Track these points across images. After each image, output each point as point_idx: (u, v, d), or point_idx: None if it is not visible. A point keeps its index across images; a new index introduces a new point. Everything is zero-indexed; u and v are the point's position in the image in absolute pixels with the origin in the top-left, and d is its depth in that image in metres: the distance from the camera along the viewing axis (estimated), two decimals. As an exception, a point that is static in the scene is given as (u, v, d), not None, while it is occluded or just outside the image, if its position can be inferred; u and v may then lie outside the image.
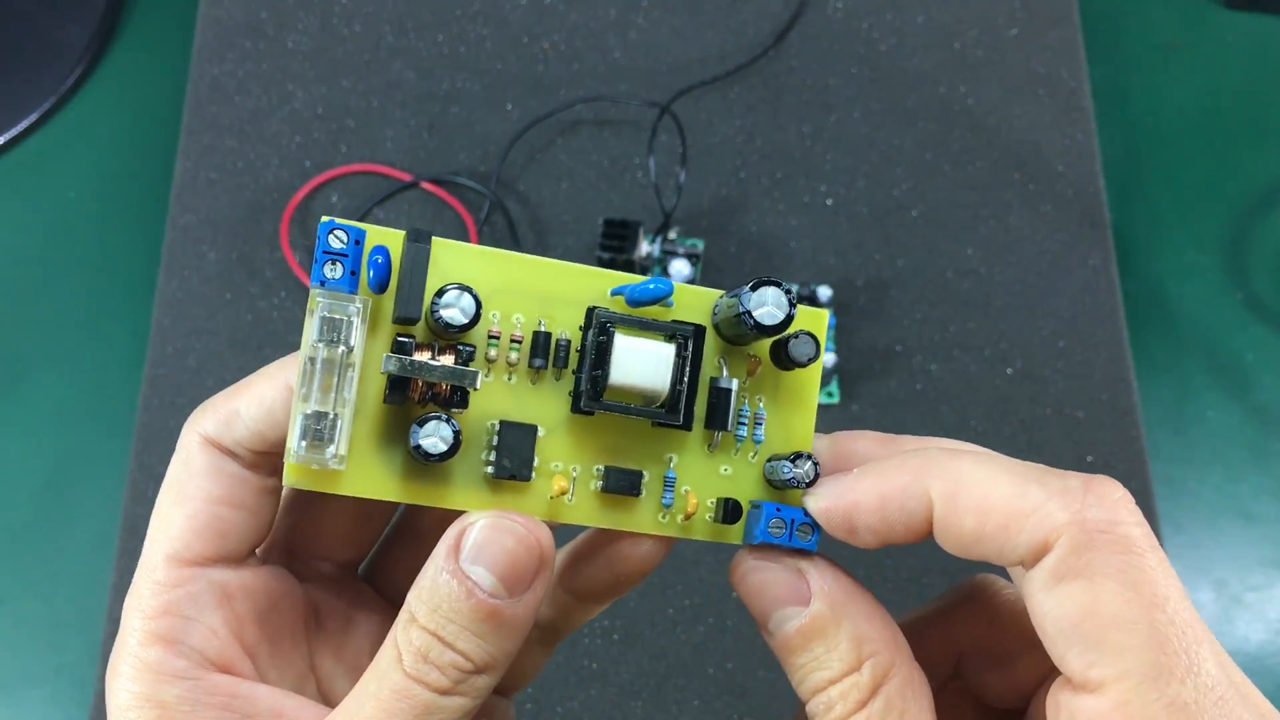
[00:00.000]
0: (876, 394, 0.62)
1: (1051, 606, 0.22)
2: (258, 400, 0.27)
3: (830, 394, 0.61)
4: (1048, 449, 0.61)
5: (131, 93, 0.74)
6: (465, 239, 0.65)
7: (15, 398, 0.67)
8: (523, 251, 0.64)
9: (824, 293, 0.62)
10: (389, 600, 0.32)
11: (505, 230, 0.65)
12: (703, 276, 0.64)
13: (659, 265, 0.63)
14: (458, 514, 0.26)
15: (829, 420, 0.61)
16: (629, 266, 0.61)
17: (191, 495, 0.27)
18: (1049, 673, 0.24)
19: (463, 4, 0.70)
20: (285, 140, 0.67)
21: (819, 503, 0.26)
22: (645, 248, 0.61)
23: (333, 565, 0.31)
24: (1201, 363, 0.69)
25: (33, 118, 0.72)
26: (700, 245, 0.63)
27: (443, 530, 0.25)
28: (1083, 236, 0.65)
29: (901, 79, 0.69)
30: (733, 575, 0.27)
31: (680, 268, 0.61)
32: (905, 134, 0.68)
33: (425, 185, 0.66)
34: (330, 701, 0.28)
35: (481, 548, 0.25)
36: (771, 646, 0.26)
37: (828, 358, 0.61)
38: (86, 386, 0.67)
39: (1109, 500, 0.22)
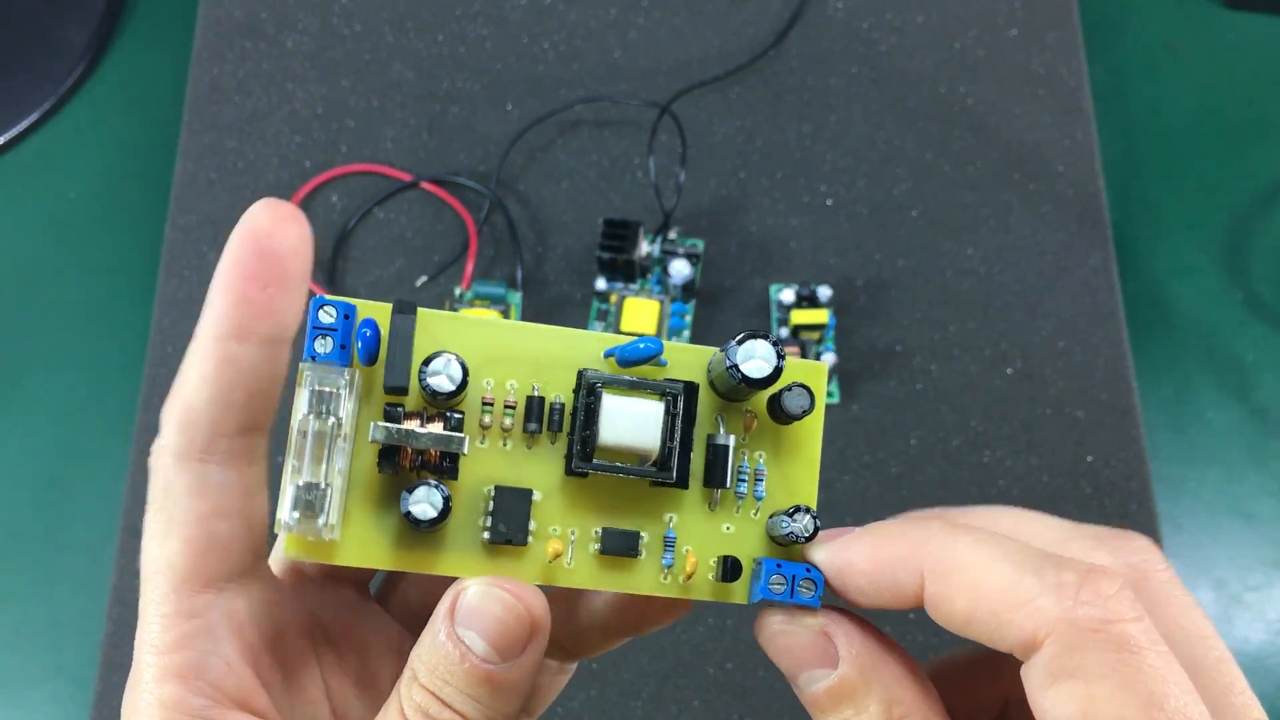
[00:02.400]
0: (876, 394, 0.62)
1: (1050, 706, 0.22)
2: (196, 380, 0.26)
3: (830, 394, 0.61)
4: (1048, 449, 0.61)
5: (131, 93, 0.74)
6: (465, 239, 0.65)
7: (15, 398, 0.67)
8: (523, 249, 0.64)
9: (824, 293, 0.62)
10: (401, 621, 0.32)
11: (505, 230, 0.65)
12: (702, 277, 0.64)
13: (659, 265, 0.63)
14: None
15: (828, 420, 0.61)
16: (629, 266, 0.61)
17: (179, 520, 0.25)
18: None
19: (463, 4, 0.70)
20: (285, 140, 0.67)
21: (817, 554, 0.26)
22: (645, 248, 0.61)
23: (342, 586, 0.31)
24: (1201, 363, 0.69)
25: (33, 118, 0.72)
26: (700, 245, 0.63)
27: None
28: (1083, 236, 0.65)
29: (901, 79, 0.69)
30: (757, 636, 0.27)
31: (680, 268, 0.61)
32: (905, 134, 0.68)
33: (425, 185, 0.66)
34: None
35: (472, 614, 0.25)
36: (801, 701, 0.26)
37: (828, 357, 0.61)
38: (86, 386, 0.67)
39: (1103, 596, 0.22)
